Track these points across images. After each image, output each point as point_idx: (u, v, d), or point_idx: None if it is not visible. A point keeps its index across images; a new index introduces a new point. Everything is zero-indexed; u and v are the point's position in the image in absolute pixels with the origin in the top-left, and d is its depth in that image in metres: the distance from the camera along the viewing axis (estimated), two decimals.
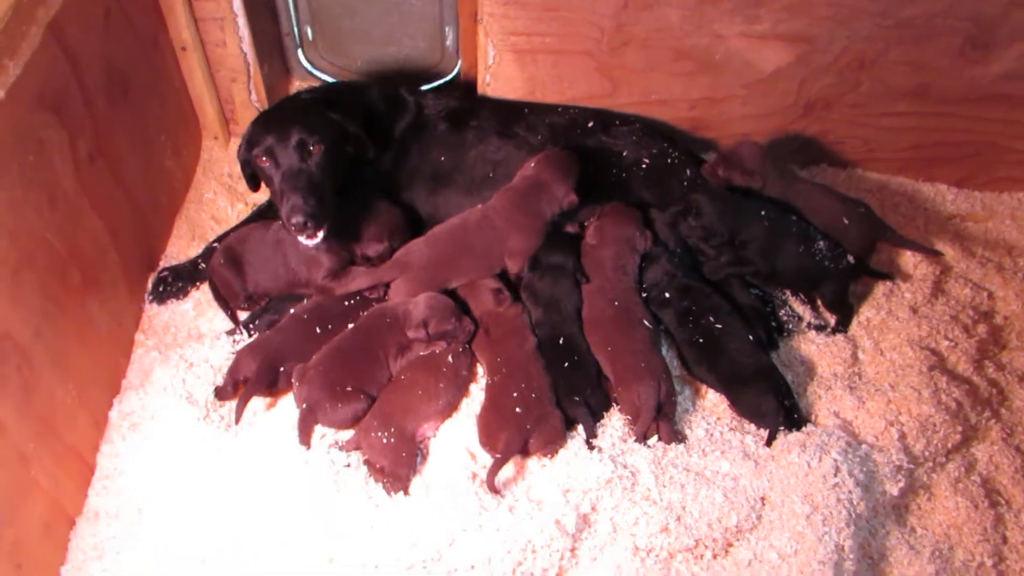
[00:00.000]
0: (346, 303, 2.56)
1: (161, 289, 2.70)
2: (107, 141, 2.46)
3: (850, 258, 2.65)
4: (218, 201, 3.08)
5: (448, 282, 2.57)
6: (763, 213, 2.63)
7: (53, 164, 2.17)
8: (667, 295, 2.55)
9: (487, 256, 2.62)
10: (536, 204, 2.62)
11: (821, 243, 2.62)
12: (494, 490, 2.14)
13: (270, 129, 2.48)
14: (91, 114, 2.36)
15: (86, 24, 2.34)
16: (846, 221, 2.76)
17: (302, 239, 2.44)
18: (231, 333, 2.60)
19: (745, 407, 2.38)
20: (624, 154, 2.81)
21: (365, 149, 2.64)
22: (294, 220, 2.36)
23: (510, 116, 2.88)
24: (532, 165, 2.66)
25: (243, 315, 2.68)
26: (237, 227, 2.81)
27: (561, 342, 2.43)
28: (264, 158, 2.47)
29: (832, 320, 2.70)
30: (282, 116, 2.57)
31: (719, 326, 2.46)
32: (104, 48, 2.45)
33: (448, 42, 3.24)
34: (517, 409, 2.23)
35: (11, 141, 1.97)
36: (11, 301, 1.96)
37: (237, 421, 2.33)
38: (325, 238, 2.46)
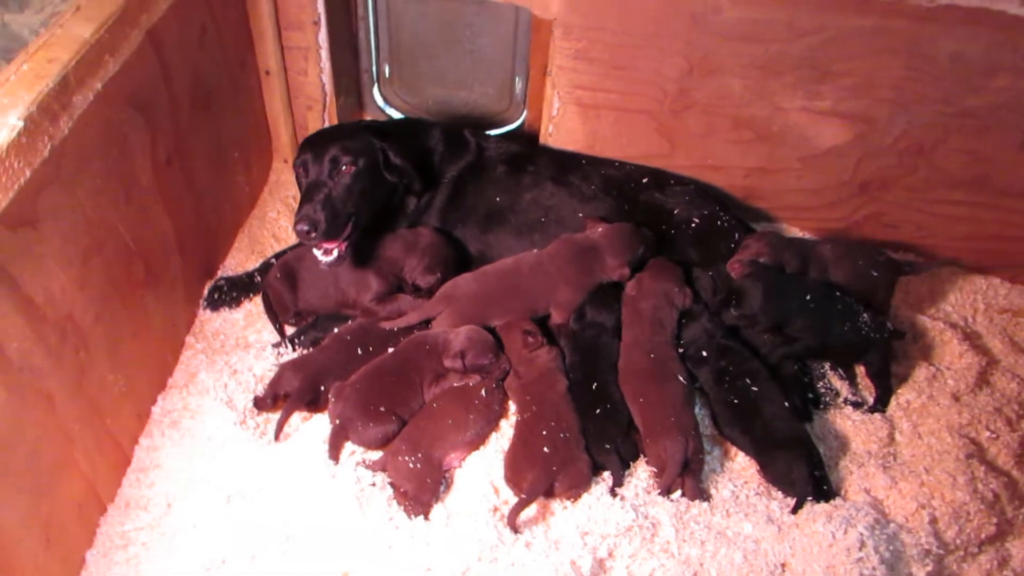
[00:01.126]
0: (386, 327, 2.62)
1: (216, 296, 2.80)
2: (185, 148, 2.59)
3: (890, 325, 2.65)
4: (280, 221, 3.19)
5: (490, 319, 2.62)
6: (807, 297, 2.61)
7: (134, 161, 2.29)
8: (704, 353, 2.56)
9: (533, 300, 2.67)
10: (589, 264, 2.69)
11: (865, 315, 2.61)
12: (514, 527, 2.14)
13: (313, 144, 2.66)
14: (174, 120, 2.50)
15: (182, 36, 2.49)
16: (875, 273, 2.80)
17: (318, 255, 2.55)
18: (276, 346, 2.67)
19: (776, 473, 2.36)
20: (675, 212, 2.85)
21: (411, 180, 2.75)
22: (297, 226, 2.46)
23: (567, 165, 2.96)
24: (600, 230, 2.74)
25: (290, 330, 2.75)
26: (295, 246, 2.91)
27: (595, 388, 2.46)
28: (301, 169, 2.62)
29: (871, 398, 2.67)
30: (327, 134, 2.75)
31: (755, 389, 2.45)
32: (195, 61, 2.60)
33: (517, 91, 3.36)
34: (545, 449, 2.24)
35: (100, 132, 2.09)
36: (78, 285, 2.05)
37: (277, 436, 2.38)
38: (343, 258, 2.57)
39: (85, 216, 2.06)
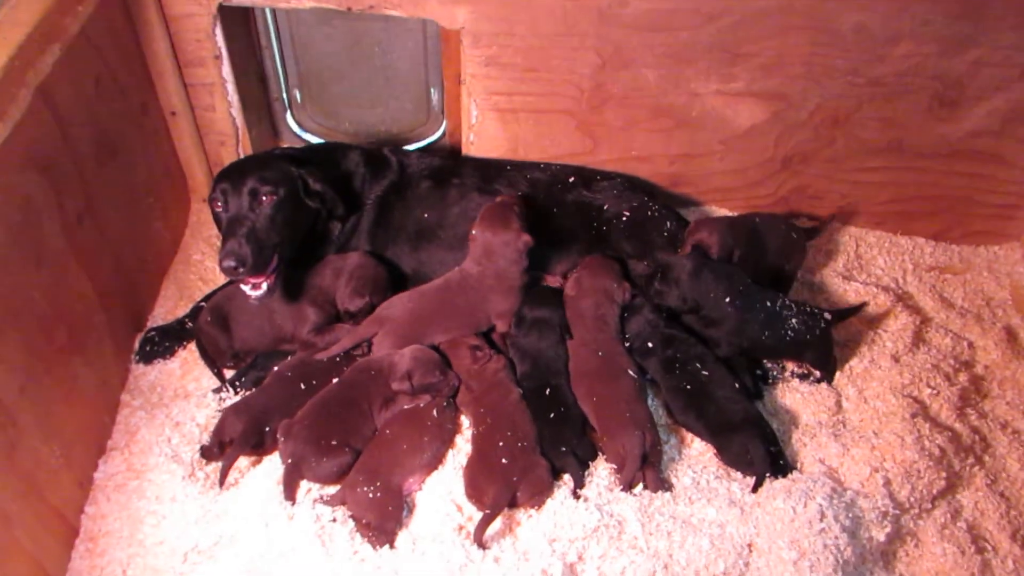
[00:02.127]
0: (326, 359, 2.56)
1: (148, 349, 2.71)
2: (96, 202, 2.49)
3: (827, 315, 2.62)
4: (206, 262, 3.10)
5: (429, 338, 2.59)
6: (730, 294, 2.58)
7: (41, 224, 2.19)
8: (650, 344, 2.58)
9: (470, 315, 2.64)
10: (495, 263, 2.63)
11: (793, 321, 2.59)
12: (481, 544, 2.12)
13: (229, 176, 2.60)
14: (80, 176, 2.40)
15: (76, 89, 2.39)
16: (794, 235, 2.92)
17: (246, 290, 2.50)
18: (217, 391, 2.60)
19: (733, 455, 2.38)
20: (605, 207, 2.87)
21: (333, 205, 2.71)
22: (223, 263, 2.41)
23: (491, 173, 2.95)
24: (473, 232, 2.66)
25: (229, 373, 2.68)
26: (223, 286, 2.84)
27: (548, 393, 2.45)
28: (219, 203, 2.56)
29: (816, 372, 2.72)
30: (242, 165, 2.69)
31: (705, 373, 2.48)
32: (94, 112, 2.51)
33: (433, 103, 3.33)
34: (504, 460, 2.23)
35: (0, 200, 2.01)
36: None
37: (221, 483, 2.31)
38: (272, 290, 2.53)
39: None
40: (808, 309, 2.63)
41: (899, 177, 3.16)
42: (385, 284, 2.73)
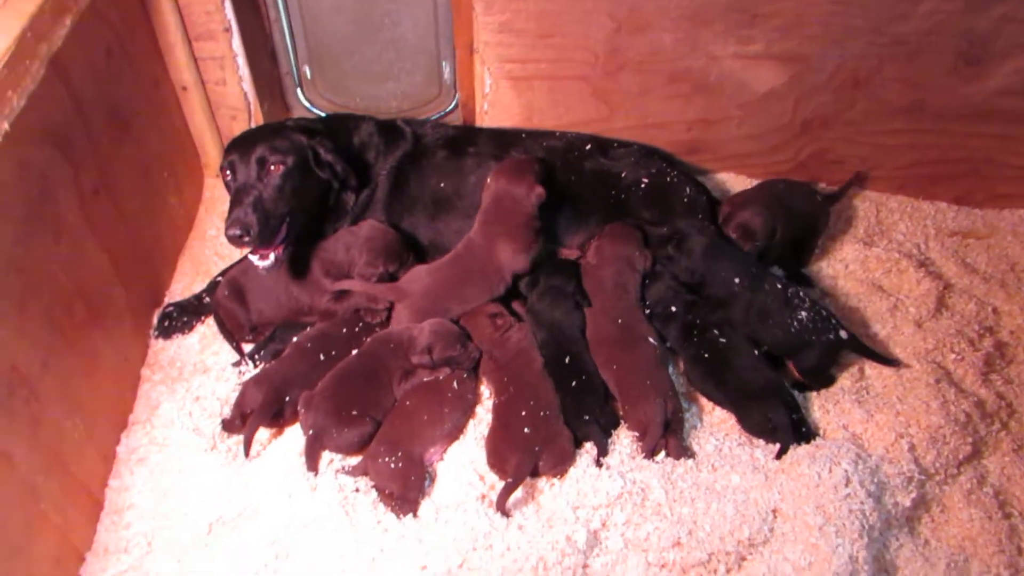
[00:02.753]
0: (346, 330, 2.56)
1: (166, 324, 2.71)
2: (111, 177, 2.49)
3: (842, 333, 2.48)
4: (220, 238, 3.09)
5: (450, 311, 2.58)
6: (737, 280, 2.54)
7: (57, 198, 2.19)
8: (673, 309, 2.55)
9: (484, 279, 2.62)
10: (505, 211, 2.63)
11: (803, 314, 2.49)
12: (504, 512, 2.12)
13: (238, 145, 2.57)
14: (94, 150, 2.40)
15: (88, 62, 2.38)
16: (818, 199, 2.90)
17: (255, 260, 2.48)
18: (237, 365, 2.60)
19: (754, 424, 2.36)
20: (623, 175, 2.83)
21: (345, 176, 2.69)
22: (228, 232, 2.39)
23: (507, 141, 2.92)
24: (488, 183, 2.70)
25: (248, 347, 2.68)
26: (239, 261, 2.83)
27: (567, 362, 2.43)
28: (228, 172, 2.54)
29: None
30: (252, 135, 2.66)
31: (723, 341, 2.45)
32: (106, 86, 2.50)
33: (445, 75, 3.29)
34: (526, 430, 2.22)
35: (16, 174, 2.00)
36: (18, 333, 1.97)
37: (247, 454, 2.32)
38: (281, 261, 2.51)
39: (15, 264, 1.97)
40: (825, 313, 2.52)
41: (921, 140, 3.10)
42: (399, 249, 2.70)
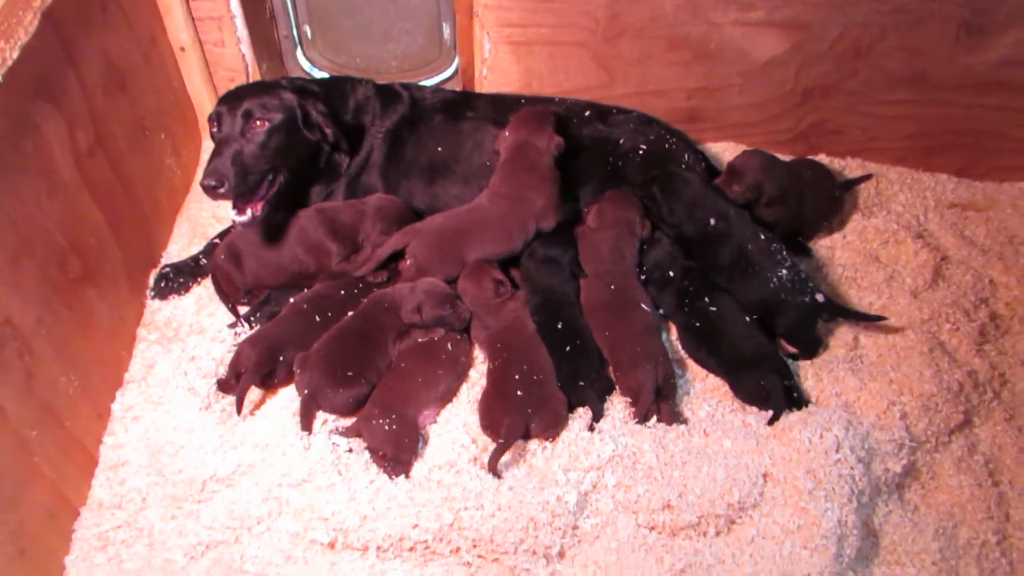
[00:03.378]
0: (343, 292, 2.56)
1: (163, 285, 2.71)
2: (106, 135, 2.47)
3: (819, 296, 2.47)
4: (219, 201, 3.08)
5: (464, 252, 2.57)
6: (723, 223, 2.55)
7: (52, 153, 2.18)
8: (670, 274, 2.56)
9: (505, 230, 2.62)
10: (528, 161, 2.63)
11: (783, 271, 2.48)
12: (496, 474, 2.13)
13: (228, 99, 2.56)
14: (89, 107, 2.38)
15: (83, 15, 2.35)
16: (838, 193, 2.88)
17: (232, 215, 2.48)
18: (232, 327, 2.60)
19: (747, 392, 2.37)
20: (621, 142, 2.81)
21: (336, 138, 2.67)
22: (203, 182, 2.38)
23: (506, 106, 2.89)
24: (506, 134, 2.69)
25: (244, 310, 2.68)
26: None
27: (560, 327, 2.43)
28: (214, 123, 2.53)
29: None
30: (244, 89, 2.65)
31: (714, 309, 2.45)
32: (102, 41, 2.47)
33: (445, 37, 3.27)
34: (519, 393, 2.23)
35: (9, 127, 1.98)
36: (11, 287, 1.96)
37: (239, 411, 2.33)
38: (257, 218, 2.49)
39: (7, 216, 1.96)
40: (804, 275, 2.51)
41: (922, 110, 3.08)
42: (410, 216, 2.70)
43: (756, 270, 2.48)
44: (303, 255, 2.64)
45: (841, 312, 2.55)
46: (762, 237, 2.54)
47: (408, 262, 2.58)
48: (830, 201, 2.90)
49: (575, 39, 2.90)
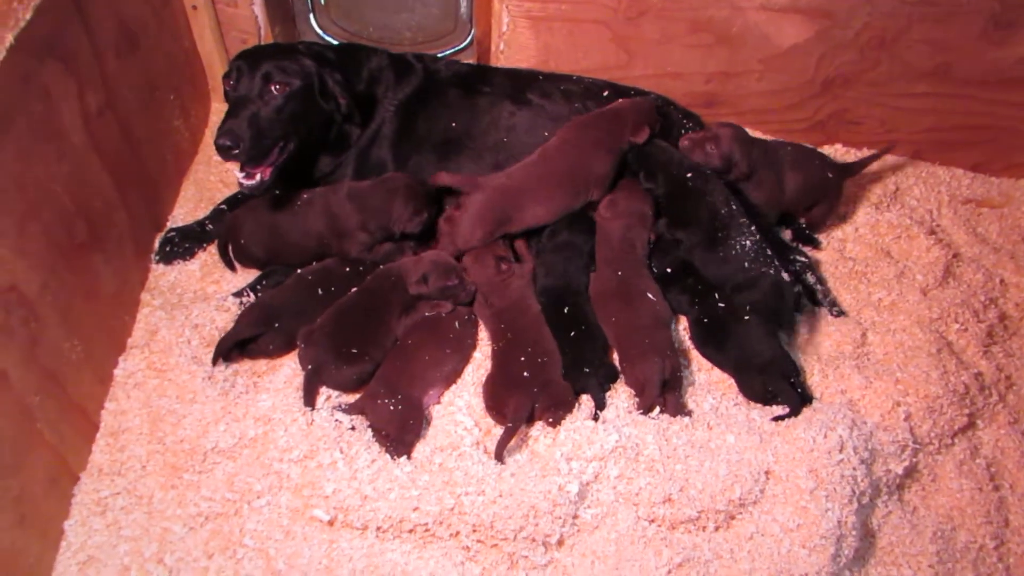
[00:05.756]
0: (348, 268, 2.54)
1: (168, 249, 2.68)
2: (116, 96, 2.43)
3: (784, 275, 2.40)
4: (226, 164, 3.04)
5: (521, 208, 2.57)
6: (688, 177, 2.56)
7: (61, 115, 2.14)
8: (669, 270, 2.54)
9: (571, 181, 2.60)
10: (614, 129, 2.63)
11: (747, 242, 2.45)
12: (500, 459, 2.13)
13: (247, 57, 2.51)
14: (100, 67, 2.33)
15: None
16: (829, 175, 2.81)
17: (239, 177, 2.44)
18: (238, 295, 2.58)
19: (754, 391, 2.35)
20: None
21: (350, 109, 2.63)
22: (218, 140, 2.33)
23: (523, 83, 2.84)
24: (621, 100, 2.73)
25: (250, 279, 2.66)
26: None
27: (567, 312, 2.42)
28: (231, 81, 2.47)
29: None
30: (263, 50, 2.61)
31: (722, 306, 2.42)
32: (114, 2, 2.42)
33: (462, 9, 3.20)
34: (525, 374, 2.22)
35: (19, 88, 1.94)
36: (17, 253, 1.94)
37: (214, 362, 2.33)
38: (265, 183, 2.46)
39: (15, 180, 1.93)
40: (769, 253, 2.43)
41: (943, 104, 3.05)
42: (436, 194, 2.66)
43: (724, 235, 2.46)
44: (330, 238, 2.60)
45: (808, 295, 2.58)
46: (733, 205, 2.52)
47: (455, 213, 2.56)
48: (822, 184, 2.82)
49: (595, 17, 2.85)
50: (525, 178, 2.59)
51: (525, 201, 2.57)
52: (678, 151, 2.64)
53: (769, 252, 2.44)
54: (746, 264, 2.42)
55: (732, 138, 2.65)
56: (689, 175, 2.56)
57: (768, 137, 3.16)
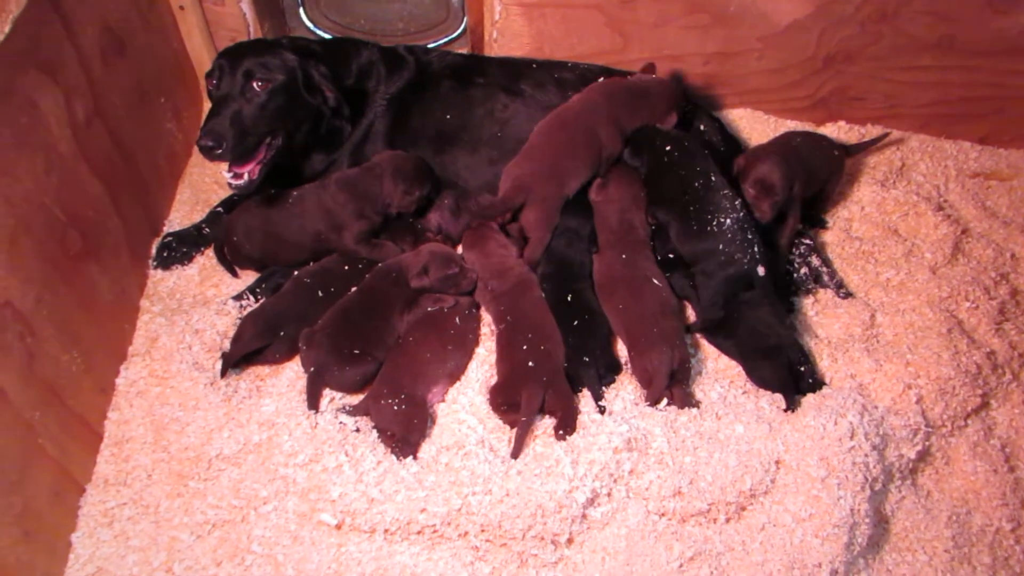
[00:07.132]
0: (347, 267, 2.51)
1: (165, 255, 2.66)
2: (104, 103, 2.40)
3: (760, 269, 2.34)
4: (221, 165, 3.01)
5: (567, 184, 2.55)
6: (668, 149, 2.54)
7: (49, 126, 2.11)
8: (671, 256, 2.51)
9: (592, 141, 2.57)
10: (640, 102, 2.63)
11: (728, 220, 2.38)
12: (517, 456, 2.09)
13: (229, 55, 2.48)
14: (87, 75, 2.30)
15: None
16: (836, 152, 2.79)
17: (227, 177, 2.43)
18: (238, 299, 2.55)
19: (762, 378, 2.32)
20: None
21: (337, 105, 2.60)
22: (200, 141, 2.31)
23: (517, 72, 2.80)
24: (653, 77, 2.73)
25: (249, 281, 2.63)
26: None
27: (569, 299, 2.39)
28: (213, 80, 2.45)
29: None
30: (245, 47, 2.56)
31: None
32: (98, 7, 2.39)
33: None
34: (530, 363, 2.19)
35: (4, 103, 1.92)
36: (9, 269, 1.92)
37: (222, 374, 2.31)
38: (254, 182, 2.44)
39: (3, 197, 1.91)
40: (751, 237, 2.37)
41: (948, 76, 2.98)
42: (428, 169, 2.63)
43: (698, 208, 2.43)
44: (327, 233, 2.57)
45: (814, 277, 2.56)
46: (713, 179, 2.47)
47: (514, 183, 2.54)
48: (829, 160, 2.78)
49: (589, 1, 2.80)
50: (550, 157, 2.55)
51: (563, 176, 2.55)
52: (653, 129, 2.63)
53: (751, 236, 2.38)
54: (720, 245, 2.37)
55: (783, 178, 2.51)
56: (667, 148, 2.54)
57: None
